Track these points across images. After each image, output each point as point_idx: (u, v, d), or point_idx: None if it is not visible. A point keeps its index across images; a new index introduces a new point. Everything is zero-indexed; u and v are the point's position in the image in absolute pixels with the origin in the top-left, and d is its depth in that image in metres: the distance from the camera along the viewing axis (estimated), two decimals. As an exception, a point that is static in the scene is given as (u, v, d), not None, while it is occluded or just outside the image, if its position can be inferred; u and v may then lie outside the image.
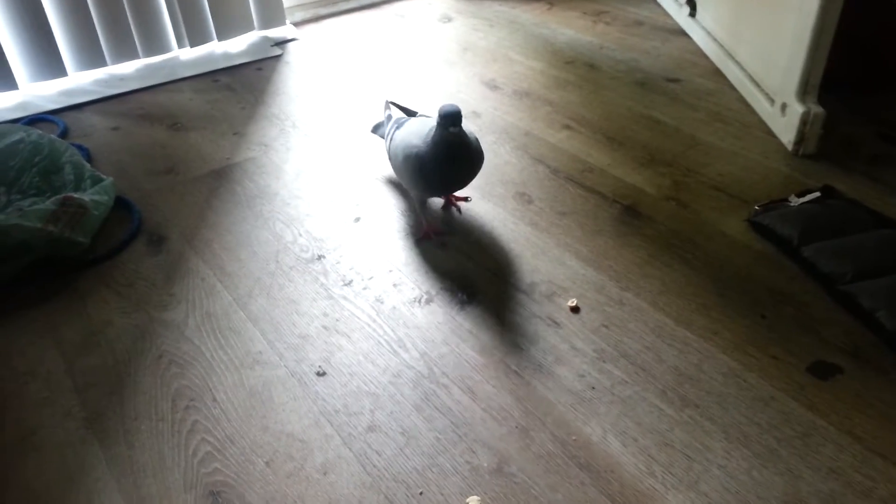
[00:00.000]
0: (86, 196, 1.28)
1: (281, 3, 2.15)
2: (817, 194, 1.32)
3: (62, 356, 1.04)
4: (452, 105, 1.15)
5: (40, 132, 1.43)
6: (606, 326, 1.08)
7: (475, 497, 0.82)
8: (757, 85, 1.67)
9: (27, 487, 0.85)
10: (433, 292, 1.16)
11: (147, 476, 0.86)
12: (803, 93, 1.46)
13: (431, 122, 1.21)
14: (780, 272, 1.19)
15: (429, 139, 1.19)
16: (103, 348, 1.05)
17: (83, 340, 1.07)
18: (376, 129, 1.49)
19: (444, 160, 1.18)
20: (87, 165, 1.40)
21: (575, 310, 1.10)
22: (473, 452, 0.89)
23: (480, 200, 1.40)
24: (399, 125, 1.31)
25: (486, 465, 0.87)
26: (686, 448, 0.89)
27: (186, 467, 0.87)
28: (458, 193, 1.40)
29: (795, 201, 1.31)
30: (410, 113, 1.43)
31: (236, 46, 2.11)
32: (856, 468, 0.86)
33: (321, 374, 1.01)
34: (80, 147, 1.55)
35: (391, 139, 1.32)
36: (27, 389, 0.98)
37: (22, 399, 0.97)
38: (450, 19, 2.30)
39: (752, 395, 0.96)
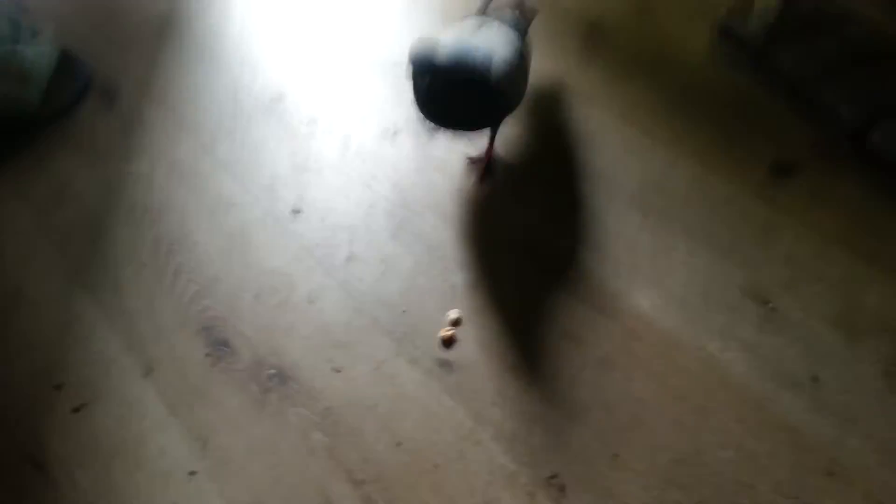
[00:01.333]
0: (27, 51, 1.22)
1: None
2: (783, -5, 1.28)
3: (35, 214, 1.04)
4: (417, 46, 0.84)
5: (-36, -16, 1.32)
6: (574, 144, 1.09)
7: (455, 310, 0.87)
8: None
9: (24, 339, 0.88)
10: (401, 124, 1.15)
11: (140, 318, 0.89)
12: None
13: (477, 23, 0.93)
14: (745, 77, 1.19)
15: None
16: (74, 203, 1.05)
17: (52, 197, 1.06)
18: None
19: (428, 105, 0.90)
20: (24, 19, 1.31)
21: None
22: (450, 271, 0.93)
23: (442, 28, 1.35)
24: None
25: (462, 281, 0.91)
26: (651, 250, 0.93)
27: (177, 306, 0.90)
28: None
29: (761, 5, 1.28)
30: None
31: None
32: (812, 255, 0.92)
33: (296, 211, 1.02)
34: (13, 1, 1.45)
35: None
36: (5, 249, 0.99)
37: (2, 258, 0.98)
38: None
39: (714, 196, 0.99)
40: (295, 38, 1.36)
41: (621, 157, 1.07)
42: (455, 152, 1.09)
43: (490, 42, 0.89)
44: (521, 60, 0.94)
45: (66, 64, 1.30)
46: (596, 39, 1.29)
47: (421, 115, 0.91)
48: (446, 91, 0.85)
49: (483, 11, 1.07)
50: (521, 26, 1.03)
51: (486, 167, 1.05)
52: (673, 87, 1.18)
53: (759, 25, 1.22)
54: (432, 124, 0.92)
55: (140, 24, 1.40)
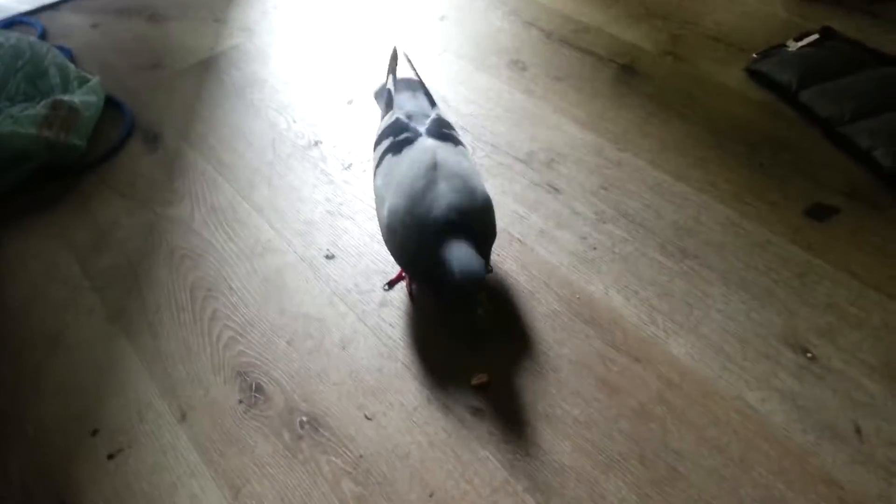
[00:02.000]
0: (75, 98, 1.26)
1: None
2: (816, 36, 1.28)
3: (76, 258, 1.06)
4: (468, 264, 0.77)
5: (19, 35, 1.38)
6: (605, 188, 1.09)
7: (483, 375, 0.86)
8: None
9: (61, 383, 0.89)
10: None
11: (176, 363, 0.90)
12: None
13: (428, 154, 0.86)
14: (779, 119, 1.18)
15: (424, 212, 0.80)
16: (115, 248, 1.07)
17: (94, 241, 1.09)
18: (378, 97, 1.12)
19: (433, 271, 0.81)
20: (72, 66, 1.36)
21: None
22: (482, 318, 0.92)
23: (475, 72, 1.37)
24: (394, 147, 0.90)
25: (495, 327, 0.91)
26: (686, 296, 0.92)
27: (212, 352, 0.91)
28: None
29: (794, 46, 1.28)
30: (412, 82, 1.05)
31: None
32: (851, 302, 0.90)
33: (330, 256, 1.03)
34: (61, 48, 1.51)
35: (379, 164, 0.91)
36: (47, 292, 1.02)
37: (44, 302, 1.00)
38: None
39: (749, 242, 0.98)
40: (331, 84, 1.39)
41: (653, 201, 1.06)
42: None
43: (462, 184, 0.84)
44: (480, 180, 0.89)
45: (112, 110, 1.35)
46: (626, 83, 1.30)
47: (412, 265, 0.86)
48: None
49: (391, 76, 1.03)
50: (453, 127, 0.96)
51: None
52: (705, 129, 1.18)
53: (794, 68, 1.21)
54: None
55: (182, 71, 1.45)
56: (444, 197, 0.81)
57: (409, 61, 1.08)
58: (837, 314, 0.89)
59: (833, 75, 1.19)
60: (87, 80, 1.34)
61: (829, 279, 0.93)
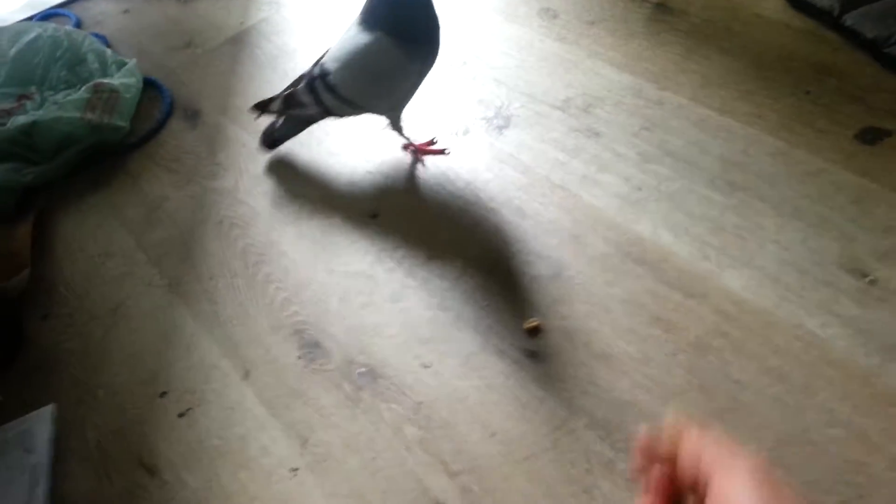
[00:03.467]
0: (115, 80, 1.29)
1: None
2: (860, -44, 1.23)
3: (130, 233, 1.09)
4: None
5: (55, 26, 1.41)
6: (647, 129, 1.08)
7: (534, 319, 0.86)
8: None
9: (129, 350, 0.93)
10: (469, 123, 1.16)
11: (235, 325, 0.93)
12: None
13: (352, 31, 0.95)
14: (823, 46, 1.15)
15: (380, 20, 0.90)
16: (166, 221, 1.10)
17: (146, 216, 1.11)
18: (277, 128, 1.13)
19: (425, 18, 0.91)
20: (109, 51, 1.39)
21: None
22: (531, 264, 0.93)
23: (504, 23, 1.36)
24: (325, 59, 1.00)
25: (544, 273, 0.91)
26: (738, 229, 0.91)
27: (268, 313, 0.93)
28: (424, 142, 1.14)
29: (836, -32, 1.23)
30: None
31: None
32: (910, 223, 0.87)
33: (374, 216, 1.04)
34: (97, 35, 1.54)
35: (329, 73, 0.98)
36: (105, 267, 1.05)
37: (103, 276, 1.03)
38: None
39: (801, 170, 0.96)
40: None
41: (699, 137, 1.04)
42: (524, 147, 1.09)
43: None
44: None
45: (151, 90, 1.37)
46: (662, 20, 1.27)
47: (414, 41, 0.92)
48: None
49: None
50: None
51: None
52: (747, 59, 1.15)
53: (836, -9, 1.17)
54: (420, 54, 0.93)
55: (214, 48, 1.47)
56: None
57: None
58: (895, 237, 0.87)
59: (878, -4, 1.15)
60: (125, 64, 1.36)
61: (885, 202, 0.90)
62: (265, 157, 1.17)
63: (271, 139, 1.15)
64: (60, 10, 1.71)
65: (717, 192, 0.96)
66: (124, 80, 1.30)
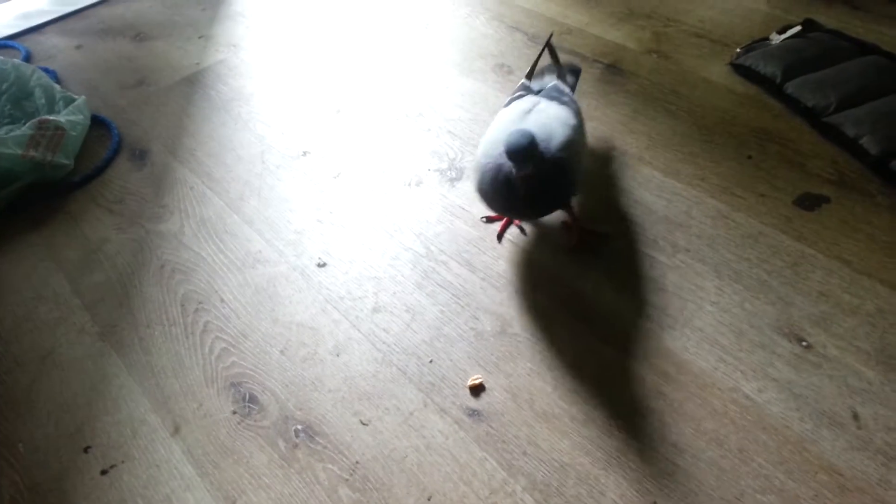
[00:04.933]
0: (61, 117, 1.26)
1: None
2: (798, 29, 1.29)
3: (66, 276, 1.06)
4: (518, 134, 0.82)
5: (2, 58, 1.38)
6: (594, 187, 1.09)
7: (478, 377, 0.85)
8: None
9: (55, 401, 0.89)
10: (422, 174, 1.17)
11: (168, 377, 0.90)
12: (781, -78, 1.40)
13: (529, 103, 0.93)
14: (765, 112, 1.19)
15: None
16: (105, 265, 1.07)
17: (84, 259, 1.08)
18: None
19: (503, 198, 0.88)
20: (57, 87, 1.36)
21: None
22: (477, 319, 0.92)
23: (460, 77, 1.38)
24: (508, 102, 0.97)
25: (489, 329, 0.91)
26: (679, 290, 0.92)
27: (205, 364, 0.90)
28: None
29: (777, 39, 1.29)
30: (560, 68, 1.07)
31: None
32: (844, 289, 0.90)
33: (321, 265, 1.03)
34: (46, 70, 1.51)
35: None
36: (38, 311, 1.01)
37: (34, 321, 0.99)
38: None
39: (741, 234, 0.98)
40: (318, 94, 1.39)
41: (644, 196, 1.06)
42: (476, 200, 1.10)
43: (544, 126, 0.89)
44: (578, 137, 0.92)
45: (99, 128, 1.35)
46: (612, 81, 1.31)
47: (498, 205, 0.90)
48: (538, 183, 0.83)
49: (531, 76, 1.08)
50: (569, 94, 1.00)
51: (580, 234, 1.01)
52: (692, 122, 1.18)
53: (778, 61, 1.22)
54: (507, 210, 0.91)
55: (168, 87, 1.45)
56: (522, 127, 0.85)
57: (552, 48, 1.09)
58: (831, 302, 0.89)
59: (817, 66, 1.20)
60: (73, 100, 1.34)
61: (821, 268, 0.93)
62: (213, 200, 1.15)
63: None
64: (10, 42, 1.67)
65: (659, 253, 0.97)
66: (71, 116, 1.28)
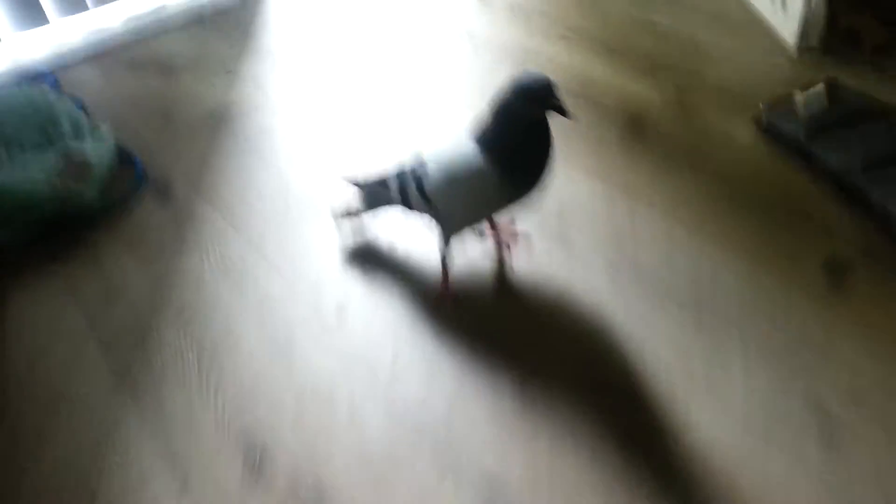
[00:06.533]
0: (86, 147, 1.27)
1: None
2: (822, 88, 1.29)
3: (83, 313, 1.05)
4: (534, 73, 0.84)
5: (33, 89, 1.40)
6: (619, 240, 1.08)
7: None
8: (759, -22, 1.61)
9: (62, 445, 0.87)
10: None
11: (179, 426, 0.88)
12: (806, -14, 1.41)
13: (463, 139, 0.93)
14: (790, 171, 1.18)
15: (490, 143, 0.88)
16: (123, 303, 1.06)
17: (103, 295, 1.08)
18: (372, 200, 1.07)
19: (534, 151, 0.89)
20: (84, 117, 1.37)
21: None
22: (497, 374, 0.91)
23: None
24: (422, 162, 0.97)
25: (508, 392, 0.89)
26: (705, 356, 0.90)
27: (216, 417, 0.89)
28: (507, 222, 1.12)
29: (800, 98, 1.28)
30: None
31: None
32: (875, 364, 0.88)
33: (341, 314, 1.02)
34: (74, 100, 1.52)
35: (420, 179, 0.96)
36: (53, 348, 1.00)
37: (49, 358, 0.99)
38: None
39: (767, 298, 0.97)
40: (338, 133, 1.39)
41: (670, 255, 1.05)
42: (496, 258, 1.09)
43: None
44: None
45: (123, 161, 1.35)
46: (637, 133, 1.30)
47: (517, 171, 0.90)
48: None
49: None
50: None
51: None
52: (718, 181, 1.18)
53: (802, 120, 1.22)
54: (524, 182, 0.91)
55: (193, 122, 1.46)
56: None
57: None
58: (863, 377, 0.87)
59: (841, 128, 1.20)
60: (98, 130, 1.35)
61: (850, 340, 0.91)
62: (235, 239, 1.15)
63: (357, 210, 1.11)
64: (41, 72, 1.69)
65: (685, 314, 0.96)
66: (97, 148, 1.28)
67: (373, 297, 1.04)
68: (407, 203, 1.00)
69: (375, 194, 1.06)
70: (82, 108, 1.53)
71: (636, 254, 1.06)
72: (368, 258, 1.11)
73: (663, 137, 1.28)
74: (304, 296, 1.05)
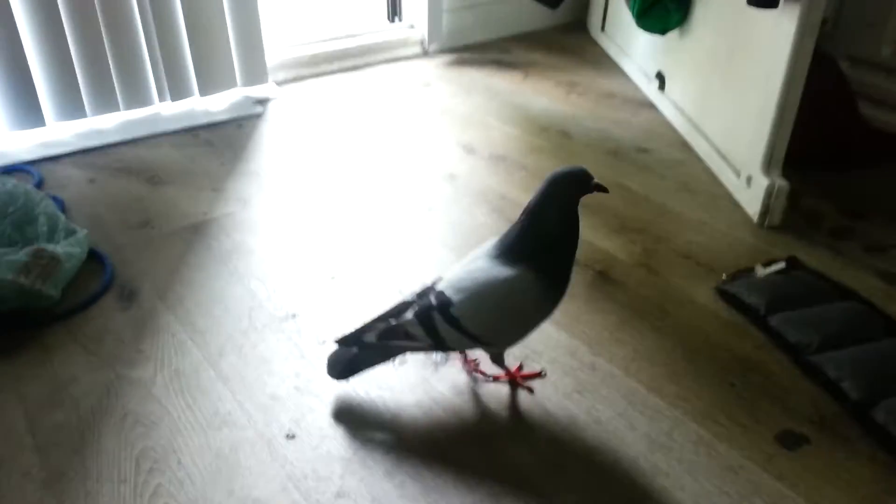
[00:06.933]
0: (59, 248, 1.27)
1: (264, 62, 2.19)
2: (782, 265, 1.35)
3: (25, 412, 1.01)
4: (568, 166, 0.95)
5: (15, 182, 1.42)
6: (579, 392, 1.09)
7: None
8: (723, 157, 1.73)
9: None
10: (406, 354, 1.16)
11: (106, 542, 0.83)
12: (768, 166, 1.51)
13: (482, 252, 0.99)
14: (748, 341, 1.21)
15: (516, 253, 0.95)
16: (67, 406, 1.03)
17: (48, 397, 1.04)
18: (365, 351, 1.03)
19: (570, 245, 0.97)
20: (62, 217, 1.39)
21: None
22: (445, 519, 0.88)
23: (454, 261, 1.41)
24: (442, 287, 0.99)
25: (456, 533, 0.86)
26: (657, 518, 0.89)
27: (148, 533, 0.84)
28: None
29: (761, 271, 1.35)
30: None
31: (218, 103, 2.13)
32: (824, 540, 0.87)
33: (291, 436, 0.99)
34: (55, 198, 1.54)
35: (452, 304, 0.96)
36: (-15, 447, 0.95)
37: (-22, 458, 0.94)
38: (429, 84, 2.36)
39: (721, 465, 0.96)
40: (316, 258, 1.42)
41: (626, 411, 1.05)
42: (458, 389, 1.09)
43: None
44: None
45: (93, 263, 1.35)
46: (602, 288, 1.34)
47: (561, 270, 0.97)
48: None
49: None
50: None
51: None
52: (677, 341, 1.21)
53: (762, 293, 1.27)
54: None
55: (171, 232, 1.48)
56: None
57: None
58: (812, 552, 0.85)
59: (800, 304, 1.24)
60: (75, 232, 1.36)
61: (801, 512, 0.90)
62: (192, 352, 1.14)
63: (347, 368, 1.03)
64: (26, 167, 1.73)
65: (639, 475, 0.95)
66: (69, 248, 1.29)
67: (325, 425, 1.01)
68: (440, 345, 0.98)
69: (390, 348, 1.01)
70: (63, 208, 1.55)
71: (595, 407, 1.06)
72: (326, 386, 1.09)
73: (628, 295, 1.32)
74: (255, 417, 1.02)
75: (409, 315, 0.99)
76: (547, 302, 0.97)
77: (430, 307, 0.97)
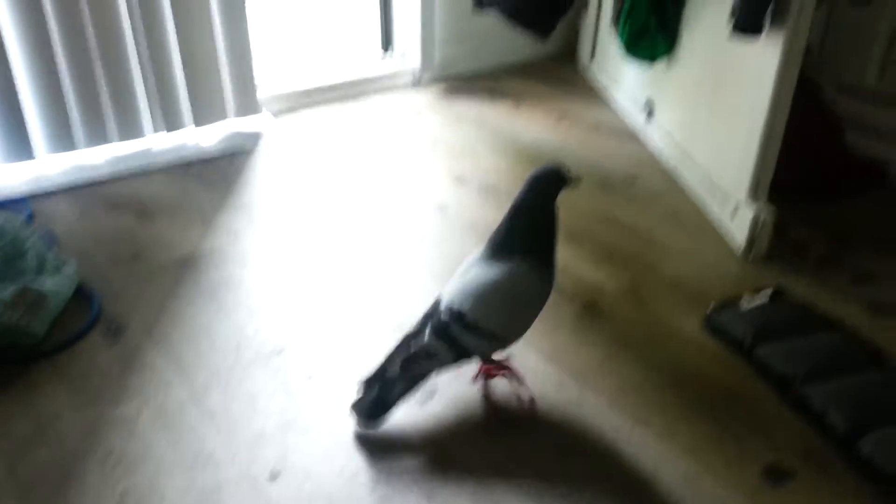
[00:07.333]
0: (46, 284, 1.27)
1: (255, 94, 2.20)
2: (768, 296, 1.36)
3: (7, 451, 1.01)
4: (544, 165, 1.07)
5: (6, 216, 1.42)
6: (565, 425, 1.09)
7: None
8: (710, 187, 1.74)
9: None
10: (432, 377, 1.15)
11: (85, 585, 0.82)
12: (754, 197, 1.52)
13: (472, 260, 1.06)
14: (734, 372, 1.21)
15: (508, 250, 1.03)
16: (51, 444, 1.02)
17: (31, 434, 1.04)
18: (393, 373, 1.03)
19: (554, 236, 1.07)
20: (50, 253, 1.39)
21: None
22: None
23: (452, 281, 1.42)
24: (448, 302, 1.03)
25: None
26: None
27: (128, 575, 0.83)
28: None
29: (748, 302, 1.35)
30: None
31: (210, 135, 2.14)
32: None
33: (275, 475, 0.99)
34: (45, 233, 1.55)
35: (464, 313, 1.01)
36: (-35, 488, 0.95)
37: (-41, 499, 0.93)
38: (420, 114, 2.38)
39: (708, 500, 0.96)
40: (305, 294, 1.42)
41: (613, 445, 1.05)
42: (446, 426, 1.08)
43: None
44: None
45: (81, 298, 1.35)
46: (589, 320, 1.35)
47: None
48: None
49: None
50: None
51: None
52: (665, 374, 1.21)
53: (748, 324, 1.27)
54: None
55: (160, 267, 1.48)
56: None
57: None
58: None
59: (785, 335, 1.25)
60: (63, 268, 1.36)
61: (788, 549, 0.90)
62: (177, 388, 1.13)
63: (379, 408, 1.03)
64: (17, 200, 1.73)
65: (625, 510, 0.94)
66: (56, 286, 1.29)
67: (310, 463, 1.01)
68: (465, 353, 1.03)
69: (414, 377, 1.03)
70: (52, 242, 1.55)
71: (581, 439, 1.06)
72: (311, 422, 1.09)
73: (615, 326, 1.33)
74: (239, 455, 1.02)
75: (426, 337, 1.01)
76: (545, 285, 1.04)
77: (444, 323, 1.01)
